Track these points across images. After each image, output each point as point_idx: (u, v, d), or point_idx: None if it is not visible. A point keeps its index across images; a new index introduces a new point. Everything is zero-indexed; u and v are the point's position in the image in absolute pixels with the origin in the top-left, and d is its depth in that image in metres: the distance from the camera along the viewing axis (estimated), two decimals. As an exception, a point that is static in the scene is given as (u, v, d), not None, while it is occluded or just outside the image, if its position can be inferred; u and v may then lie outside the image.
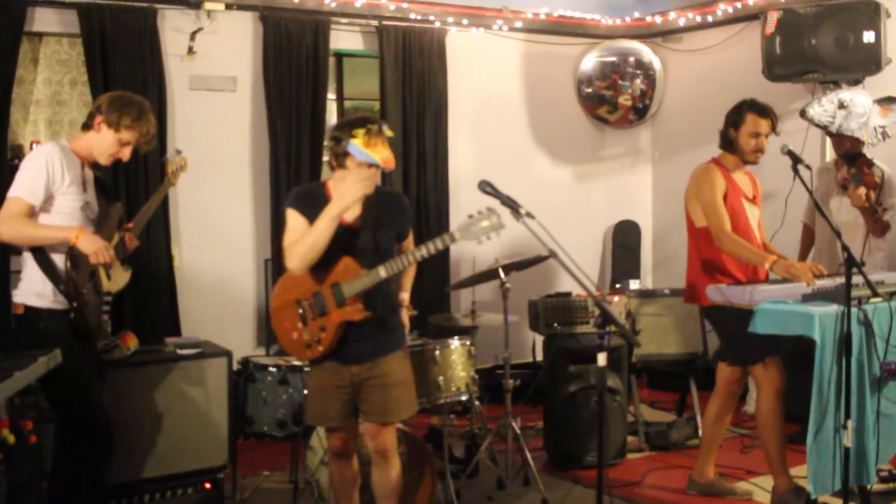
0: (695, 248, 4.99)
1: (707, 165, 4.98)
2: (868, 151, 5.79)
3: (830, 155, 6.50)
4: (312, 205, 3.84)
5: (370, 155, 3.77)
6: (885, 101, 5.86)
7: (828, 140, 6.36)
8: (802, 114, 5.89)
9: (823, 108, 5.81)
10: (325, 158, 6.94)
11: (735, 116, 4.92)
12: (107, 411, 4.26)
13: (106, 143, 4.16)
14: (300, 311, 3.92)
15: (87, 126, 4.20)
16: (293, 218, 3.89)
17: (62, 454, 4.14)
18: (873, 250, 5.71)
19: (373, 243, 3.92)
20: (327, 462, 4.49)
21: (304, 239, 3.78)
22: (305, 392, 4.86)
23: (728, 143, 4.95)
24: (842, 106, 5.77)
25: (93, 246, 4.02)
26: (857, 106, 5.75)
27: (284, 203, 3.97)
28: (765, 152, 4.88)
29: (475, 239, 3.80)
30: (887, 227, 5.60)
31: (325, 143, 3.87)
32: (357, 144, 3.76)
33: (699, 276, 4.95)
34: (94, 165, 4.28)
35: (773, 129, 4.89)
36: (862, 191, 5.36)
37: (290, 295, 3.96)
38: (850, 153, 5.72)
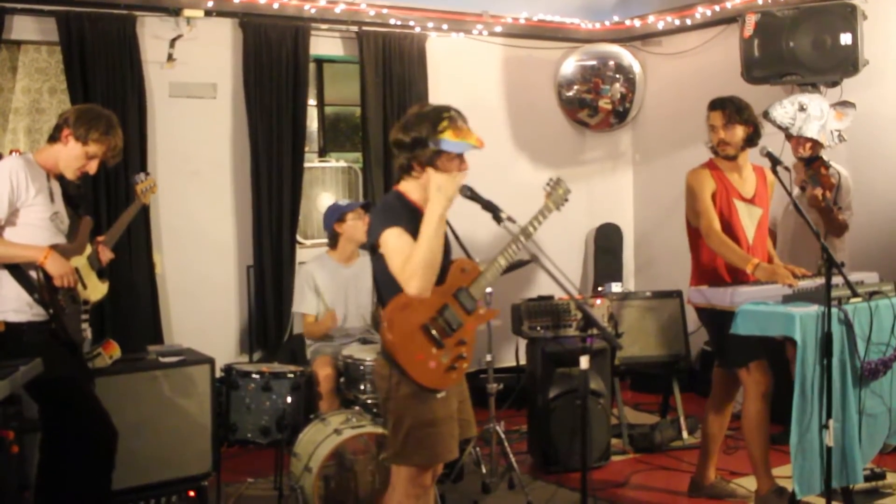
0: (690, 248, 5.05)
1: (697, 168, 5.00)
2: (828, 154, 5.88)
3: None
4: (411, 221, 3.50)
5: (466, 143, 3.51)
6: (841, 106, 5.95)
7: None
8: (765, 115, 5.94)
9: (785, 110, 5.91)
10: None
11: None
12: (106, 415, 4.26)
13: (73, 155, 4.16)
14: (432, 334, 3.49)
15: (53, 138, 4.20)
16: (398, 237, 3.46)
17: (48, 464, 4.12)
18: (834, 250, 5.78)
19: (457, 239, 3.72)
20: (311, 468, 4.49)
21: (418, 255, 3.40)
22: (289, 399, 4.86)
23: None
24: (802, 108, 5.85)
25: (59, 269, 4.04)
26: (814, 109, 5.83)
27: (377, 226, 3.53)
28: (732, 144, 4.86)
29: (558, 206, 3.87)
30: (844, 227, 5.72)
31: (401, 151, 3.58)
32: (448, 138, 3.48)
33: (691, 278, 4.99)
34: (60, 178, 4.26)
35: (728, 119, 4.83)
36: (818, 191, 5.44)
37: (410, 323, 3.46)
38: (809, 156, 5.80)
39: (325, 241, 6.01)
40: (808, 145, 5.85)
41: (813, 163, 5.70)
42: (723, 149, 4.90)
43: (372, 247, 3.56)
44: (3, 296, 4.04)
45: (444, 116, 3.53)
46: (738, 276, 4.80)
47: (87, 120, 4.15)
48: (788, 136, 6.03)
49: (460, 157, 3.57)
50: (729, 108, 4.84)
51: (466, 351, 3.60)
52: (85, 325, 4.46)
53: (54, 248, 4.08)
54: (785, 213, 5.95)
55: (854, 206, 5.94)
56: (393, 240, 3.46)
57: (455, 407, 3.66)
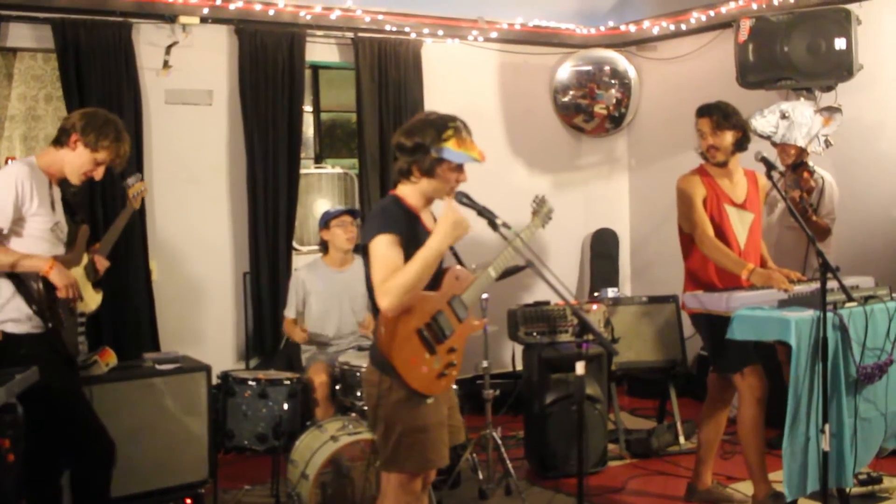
0: (683, 254, 5.04)
1: (687, 174, 5.00)
2: (816, 159, 5.91)
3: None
4: (408, 226, 3.51)
5: (468, 155, 3.53)
6: (828, 111, 5.98)
7: None
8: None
9: (766, 119, 5.95)
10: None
11: None
12: (102, 428, 4.25)
13: (80, 161, 4.12)
14: (426, 339, 3.50)
15: (59, 143, 4.14)
16: (388, 246, 3.43)
17: (44, 478, 4.11)
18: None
19: (451, 249, 3.69)
20: (308, 475, 4.48)
21: (404, 277, 3.36)
22: (286, 406, 4.85)
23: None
24: (784, 116, 5.88)
25: (63, 280, 4.00)
26: (798, 116, 5.86)
27: (371, 229, 3.49)
28: (721, 150, 4.84)
29: (543, 224, 3.98)
30: (825, 231, 5.74)
31: (400, 154, 3.63)
32: (451, 148, 3.50)
33: (684, 284, 4.99)
34: (63, 183, 4.23)
35: (715, 125, 4.82)
36: (795, 193, 5.48)
37: (406, 327, 3.46)
38: (795, 163, 5.83)
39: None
40: (793, 151, 5.88)
41: (797, 168, 5.74)
42: (712, 155, 4.89)
43: (365, 249, 3.54)
44: (2, 307, 4.00)
45: (449, 125, 3.56)
46: (729, 282, 4.80)
47: (96, 126, 4.10)
48: (774, 144, 6.06)
49: (460, 167, 3.59)
50: (716, 115, 4.84)
51: (456, 358, 3.62)
52: (81, 338, 4.43)
53: (57, 258, 4.06)
54: (768, 218, 5.95)
55: (850, 210, 5.94)
56: (382, 247, 3.43)
57: (445, 413, 3.67)
